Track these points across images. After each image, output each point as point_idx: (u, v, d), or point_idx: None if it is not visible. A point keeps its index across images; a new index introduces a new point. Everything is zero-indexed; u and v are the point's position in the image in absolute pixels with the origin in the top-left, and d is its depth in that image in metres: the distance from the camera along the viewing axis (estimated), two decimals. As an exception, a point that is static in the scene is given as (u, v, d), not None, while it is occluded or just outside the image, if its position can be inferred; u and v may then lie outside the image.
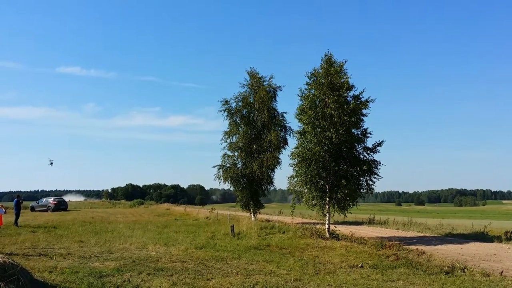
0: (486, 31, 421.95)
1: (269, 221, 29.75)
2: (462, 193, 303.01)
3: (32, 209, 52.15)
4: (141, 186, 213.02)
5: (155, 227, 26.38)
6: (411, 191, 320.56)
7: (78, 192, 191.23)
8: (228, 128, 32.44)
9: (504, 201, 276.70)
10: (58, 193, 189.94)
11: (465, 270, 12.31)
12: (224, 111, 32.28)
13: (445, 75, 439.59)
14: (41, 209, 51.28)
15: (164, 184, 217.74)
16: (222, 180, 32.14)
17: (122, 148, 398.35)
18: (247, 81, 32.73)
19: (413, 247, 17.49)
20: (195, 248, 16.72)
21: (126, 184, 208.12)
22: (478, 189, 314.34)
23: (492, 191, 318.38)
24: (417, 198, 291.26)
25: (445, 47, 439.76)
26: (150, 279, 10.64)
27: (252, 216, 32.76)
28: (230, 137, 32.30)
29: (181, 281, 10.43)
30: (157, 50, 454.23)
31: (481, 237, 22.54)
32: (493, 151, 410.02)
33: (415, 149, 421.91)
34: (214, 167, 32.60)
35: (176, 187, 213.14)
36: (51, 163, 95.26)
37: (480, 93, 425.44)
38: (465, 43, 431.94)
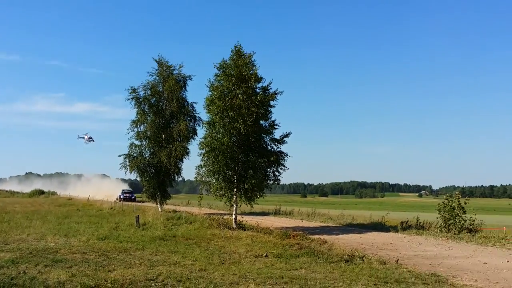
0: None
1: (176, 211, 29.54)
2: (363, 185, 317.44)
3: None
4: (41, 175, 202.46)
5: (55, 218, 25.16)
6: (316, 183, 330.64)
7: None
8: (136, 117, 31.71)
9: (400, 194, 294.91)
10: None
11: (364, 258, 12.88)
12: (132, 100, 31.52)
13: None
14: None
15: (66, 173, 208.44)
16: (129, 169, 31.46)
17: (23, 135, 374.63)
18: (156, 70, 32.12)
19: (316, 236, 18.12)
20: (97, 239, 16.15)
21: (26, 173, 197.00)
22: (377, 182, 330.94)
23: (390, 184, 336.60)
24: (321, 190, 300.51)
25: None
26: (47, 270, 10.13)
27: (159, 206, 32.34)
28: (138, 126, 31.63)
29: (80, 273, 10.00)
30: (62, 32, 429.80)
31: (379, 227, 23.82)
32: (391, 146, 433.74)
33: (320, 143, 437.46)
34: (119, 156, 31.82)
35: (79, 176, 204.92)
36: (91, 139, 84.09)
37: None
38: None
